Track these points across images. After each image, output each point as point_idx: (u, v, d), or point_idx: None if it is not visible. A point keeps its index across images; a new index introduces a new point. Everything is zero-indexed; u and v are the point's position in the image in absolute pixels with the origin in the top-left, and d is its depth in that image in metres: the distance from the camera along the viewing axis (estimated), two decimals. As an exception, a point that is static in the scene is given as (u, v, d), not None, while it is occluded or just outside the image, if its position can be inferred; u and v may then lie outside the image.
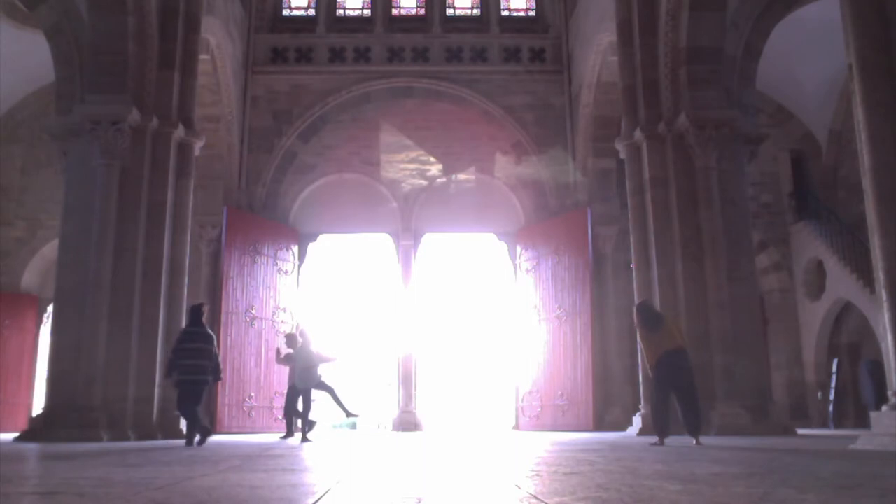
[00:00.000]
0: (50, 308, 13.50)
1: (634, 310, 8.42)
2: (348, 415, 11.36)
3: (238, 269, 15.06)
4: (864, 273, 14.29)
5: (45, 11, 11.36)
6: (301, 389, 10.62)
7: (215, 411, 14.15)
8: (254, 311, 15.16)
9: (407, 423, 15.61)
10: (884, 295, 6.31)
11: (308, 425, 10.25)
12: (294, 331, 12.82)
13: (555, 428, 14.89)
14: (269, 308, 15.50)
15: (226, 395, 14.34)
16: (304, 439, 9.76)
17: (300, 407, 10.49)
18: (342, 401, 11.15)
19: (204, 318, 8.79)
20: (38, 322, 16.41)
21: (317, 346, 11.02)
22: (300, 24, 17.65)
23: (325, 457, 6.08)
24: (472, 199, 16.82)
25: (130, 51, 10.87)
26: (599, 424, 14.40)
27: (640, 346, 11.07)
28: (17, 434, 10.18)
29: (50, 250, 15.05)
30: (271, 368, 15.15)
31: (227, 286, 14.72)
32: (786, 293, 17.05)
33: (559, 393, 15.15)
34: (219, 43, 14.25)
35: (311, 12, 17.78)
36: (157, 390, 10.50)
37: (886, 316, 6.24)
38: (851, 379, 16.26)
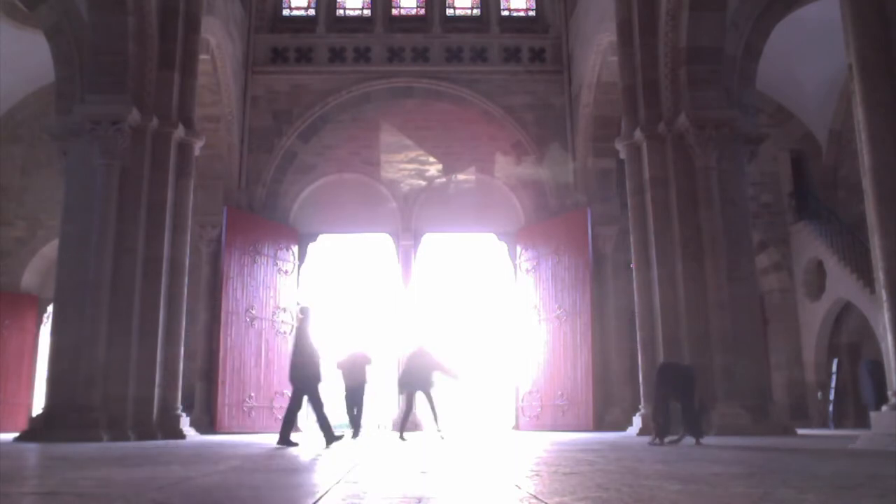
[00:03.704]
0: (50, 308, 13.50)
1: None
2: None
3: (238, 269, 15.05)
4: (864, 273, 14.28)
5: (45, 11, 11.35)
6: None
7: (215, 411, 14.17)
8: (254, 311, 15.15)
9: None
10: (884, 295, 6.31)
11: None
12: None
13: (555, 428, 14.89)
14: (269, 308, 15.49)
15: (226, 395, 14.34)
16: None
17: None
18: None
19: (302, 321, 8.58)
20: (38, 322, 16.40)
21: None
22: (300, 24, 17.64)
23: (324, 457, 6.08)
24: (472, 199, 16.82)
25: (130, 51, 10.87)
26: (599, 424, 14.40)
27: (639, 347, 11.13)
28: (17, 434, 10.16)
29: (50, 250, 15.04)
30: (271, 368, 15.14)
31: (227, 286, 14.71)
32: (786, 293, 17.03)
33: (559, 393, 15.15)
34: (219, 43, 14.25)
35: (311, 12, 17.78)
36: (157, 390, 10.49)
37: (886, 316, 6.25)
38: (851, 379, 16.24)
